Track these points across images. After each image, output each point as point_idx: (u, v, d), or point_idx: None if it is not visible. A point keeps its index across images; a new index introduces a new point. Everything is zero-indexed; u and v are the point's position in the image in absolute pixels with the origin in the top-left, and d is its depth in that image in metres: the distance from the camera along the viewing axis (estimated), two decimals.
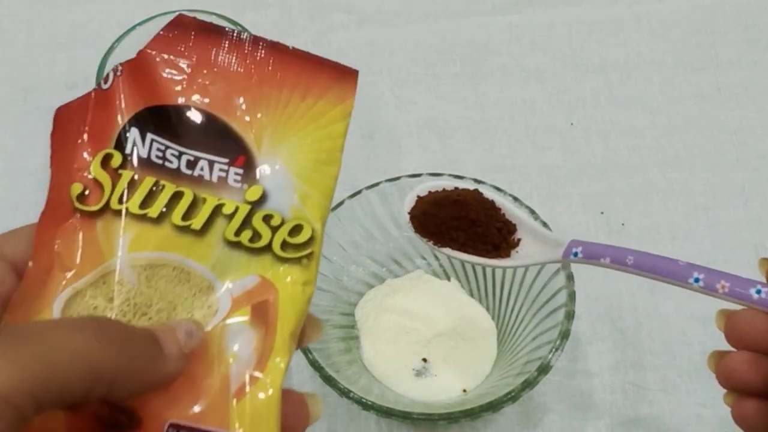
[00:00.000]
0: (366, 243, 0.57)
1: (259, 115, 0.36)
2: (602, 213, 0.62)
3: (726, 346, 0.38)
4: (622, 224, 0.61)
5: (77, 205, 0.35)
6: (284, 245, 0.35)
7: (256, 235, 0.35)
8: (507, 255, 0.46)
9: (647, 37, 0.70)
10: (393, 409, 0.48)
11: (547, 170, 0.64)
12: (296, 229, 0.35)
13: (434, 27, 0.71)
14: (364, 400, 0.48)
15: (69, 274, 0.34)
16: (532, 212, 0.52)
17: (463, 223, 0.46)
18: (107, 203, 0.35)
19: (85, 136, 0.36)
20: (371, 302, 0.56)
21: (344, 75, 0.37)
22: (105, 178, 0.35)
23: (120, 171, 0.35)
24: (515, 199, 0.53)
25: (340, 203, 0.55)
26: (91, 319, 0.30)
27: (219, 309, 0.34)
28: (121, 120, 0.36)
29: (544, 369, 0.48)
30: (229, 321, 0.34)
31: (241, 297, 0.34)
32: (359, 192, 0.55)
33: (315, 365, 0.49)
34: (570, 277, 0.50)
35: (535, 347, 0.50)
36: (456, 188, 0.48)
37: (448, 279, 0.58)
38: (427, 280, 0.57)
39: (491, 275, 0.56)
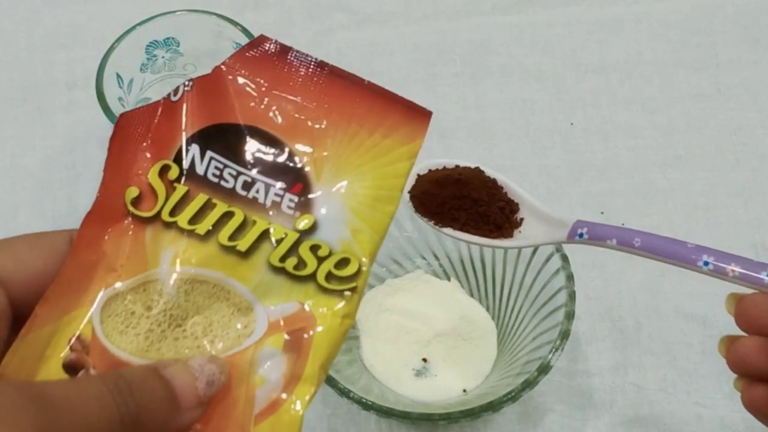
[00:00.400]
0: None
1: (323, 145, 0.36)
2: (602, 213, 0.62)
3: (736, 331, 0.38)
4: (622, 224, 0.61)
5: (131, 208, 0.35)
6: (329, 276, 0.35)
7: (301, 263, 0.35)
8: (510, 235, 0.45)
9: (647, 37, 0.70)
10: (393, 409, 0.48)
11: (547, 170, 0.64)
12: (343, 262, 0.35)
13: (434, 27, 0.71)
14: (364, 400, 0.48)
15: (113, 275, 0.34)
16: None
17: (464, 203, 0.45)
18: (159, 213, 0.35)
19: (147, 144, 0.36)
20: (371, 302, 0.56)
21: (416, 115, 0.37)
22: (160, 188, 0.35)
23: (175, 184, 0.35)
24: None
25: None
26: (115, 389, 0.29)
27: (255, 330, 0.34)
28: (184, 134, 0.36)
29: (544, 369, 0.48)
30: (262, 343, 0.34)
31: (279, 322, 0.34)
32: None
33: None
34: (570, 277, 0.50)
35: (535, 347, 0.50)
36: (457, 166, 0.47)
37: (448, 279, 0.58)
38: (427, 280, 0.57)
39: (491, 275, 0.56)
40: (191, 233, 0.35)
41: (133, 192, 0.35)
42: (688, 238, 0.61)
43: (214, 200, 0.35)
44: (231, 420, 0.32)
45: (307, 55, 0.37)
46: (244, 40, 0.58)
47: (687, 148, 0.64)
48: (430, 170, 0.47)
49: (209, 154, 0.36)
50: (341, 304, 0.34)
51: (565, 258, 0.51)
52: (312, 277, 0.34)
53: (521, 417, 0.54)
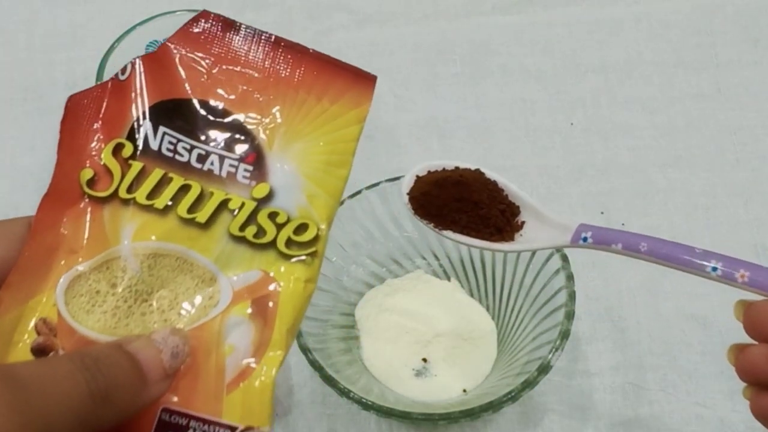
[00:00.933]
0: (366, 243, 0.57)
1: (273, 114, 0.37)
2: (602, 213, 0.62)
3: (737, 332, 0.37)
4: (622, 224, 0.61)
5: (86, 189, 0.36)
6: (289, 243, 0.35)
7: (260, 231, 0.35)
8: (511, 239, 0.44)
9: (647, 37, 0.70)
10: (393, 409, 0.48)
11: (547, 170, 0.64)
12: (301, 228, 0.36)
13: (434, 27, 0.71)
14: (364, 400, 0.48)
15: (74, 256, 0.35)
16: None
17: (465, 205, 0.44)
18: (116, 191, 0.36)
19: (98, 124, 0.37)
20: (371, 302, 0.56)
21: (362, 79, 0.38)
22: (115, 167, 0.36)
23: (130, 161, 0.36)
24: None
25: (340, 203, 0.55)
26: (82, 366, 0.30)
27: (220, 300, 0.34)
28: (135, 111, 0.37)
29: (544, 369, 0.48)
30: (229, 313, 0.34)
31: (243, 290, 0.35)
32: (359, 192, 0.55)
33: (315, 365, 0.49)
34: (570, 277, 0.50)
35: (535, 347, 0.50)
36: (457, 168, 0.46)
37: (448, 279, 0.58)
38: (427, 280, 0.57)
39: (491, 275, 0.56)
40: (150, 208, 0.35)
41: (87, 173, 0.36)
42: (688, 238, 0.61)
43: (170, 174, 0.36)
44: (203, 390, 0.33)
45: (250, 28, 0.38)
46: None
47: (687, 148, 0.64)
48: (429, 171, 0.46)
49: (162, 129, 0.36)
50: (303, 269, 0.35)
51: (565, 258, 0.51)
52: (272, 244, 0.35)
53: (521, 417, 0.54)
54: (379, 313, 0.55)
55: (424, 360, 0.54)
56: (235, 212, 0.35)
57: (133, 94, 0.37)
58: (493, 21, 0.71)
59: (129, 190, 0.35)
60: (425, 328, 0.55)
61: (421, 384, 0.53)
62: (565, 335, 0.48)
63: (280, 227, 0.35)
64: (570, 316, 0.49)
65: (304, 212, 0.36)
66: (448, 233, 0.45)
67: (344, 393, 0.48)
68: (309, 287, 0.35)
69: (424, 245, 0.57)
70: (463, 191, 0.44)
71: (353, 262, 0.57)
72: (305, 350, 0.49)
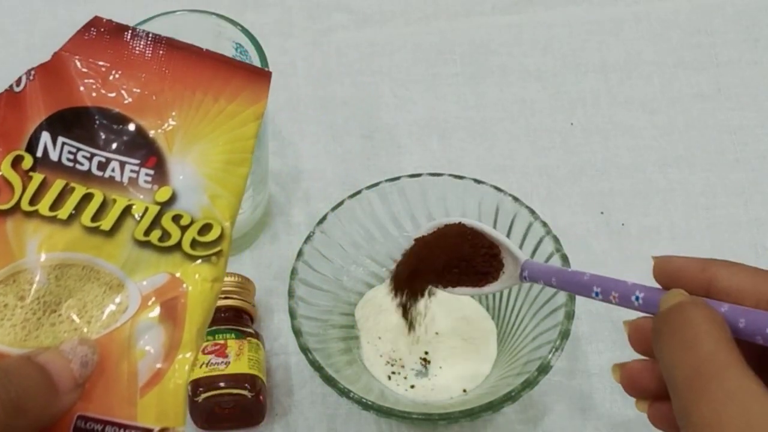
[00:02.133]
0: (366, 243, 0.57)
1: (171, 117, 0.37)
2: (602, 213, 0.62)
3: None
4: (622, 224, 0.61)
5: None
6: (194, 244, 0.36)
7: (165, 235, 0.36)
8: (496, 279, 0.47)
9: (647, 37, 0.70)
10: (393, 409, 0.48)
11: (547, 170, 0.64)
12: (205, 228, 0.36)
13: (434, 27, 0.71)
14: (364, 400, 0.48)
15: None
16: (532, 212, 0.52)
17: (452, 262, 0.47)
18: (17, 203, 0.36)
19: None
20: (371, 302, 0.56)
21: (257, 77, 0.38)
22: (15, 179, 0.36)
23: (30, 173, 0.36)
24: (515, 199, 0.53)
25: (340, 203, 0.55)
26: None
27: (129, 306, 0.35)
28: (32, 123, 0.37)
29: (544, 369, 0.48)
30: (138, 317, 0.35)
31: (151, 294, 0.35)
32: (359, 192, 0.55)
33: (315, 365, 0.49)
34: None
35: (535, 347, 0.50)
36: (438, 228, 0.48)
37: None
38: None
39: None
40: (54, 219, 0.35)
41: None
42: (688, 238, 0.61)
43: (72, 184, 0.36)
44: (116, 395, 0.33)
45: (143, 31, 0.38)
46: (244, 40, 0.57)
47: (687, 148, 0.64)
48: (414, 239, 0.49)
49: (61, 139, 0.36)
50: (209, 268, 0.36)
51: (565, 258, 0.51)
52: (177, 246, 0.36)
53: (521, 417, 0.54)
54: (379, 313, 0.55)
55: (424, 360, 0.54)
56: (139, 217, 0.36)
57: (29, 106, 0.37)
58: (493, 21, 0.71)
59: (31, 202, 0.36)
60: (425, 328, 0.55)
61: (421, 384, 0.53)
62: (565, 335, 0.48)
63: (184, 229, 0.36)
64: (570, 316, 0.49)
65: (208, 213, 0.36)
66: (449, 289, 0.48)
67: (344, 393, 0.48)
68: (216, 286, 0.36)
69: None
70: (444, 253, 0.47)
71: (353, 262, 0.57)
72: (305, 350, 0.49)
